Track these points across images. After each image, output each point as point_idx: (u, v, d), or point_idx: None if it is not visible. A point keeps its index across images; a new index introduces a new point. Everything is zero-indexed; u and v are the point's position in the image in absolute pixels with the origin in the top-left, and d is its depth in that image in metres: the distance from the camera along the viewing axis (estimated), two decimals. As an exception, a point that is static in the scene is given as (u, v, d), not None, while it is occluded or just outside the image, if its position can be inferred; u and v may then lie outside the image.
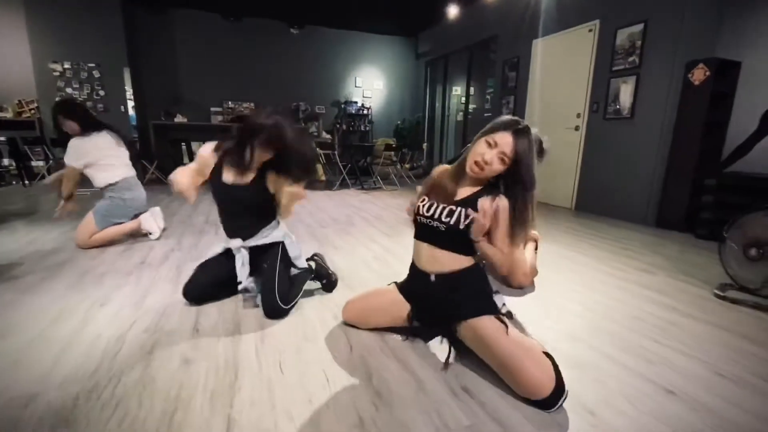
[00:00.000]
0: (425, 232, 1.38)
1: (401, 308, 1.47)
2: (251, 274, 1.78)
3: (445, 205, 1.32)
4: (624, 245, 2.98)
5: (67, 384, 1.23)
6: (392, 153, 6.60)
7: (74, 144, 2.56)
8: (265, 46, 6.99)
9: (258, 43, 6.94)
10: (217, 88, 6.83)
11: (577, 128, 4.35)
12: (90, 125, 2.62)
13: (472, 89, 7.84)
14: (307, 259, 1.98)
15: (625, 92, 3.82)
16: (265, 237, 1.80)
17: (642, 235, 3.31)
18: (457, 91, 7.99)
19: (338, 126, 7.54)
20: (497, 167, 1.26)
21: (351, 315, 1.58)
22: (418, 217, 1.39)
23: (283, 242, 1.81)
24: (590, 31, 4.12)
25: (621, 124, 3.90)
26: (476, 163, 1.26)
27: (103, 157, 2.64)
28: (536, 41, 4.84)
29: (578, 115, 4.33)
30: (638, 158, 3.77)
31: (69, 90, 5.74)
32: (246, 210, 1.77)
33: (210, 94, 6.81)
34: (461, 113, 8.13)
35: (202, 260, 1.85)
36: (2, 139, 5.27)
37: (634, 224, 3.73)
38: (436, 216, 1.32)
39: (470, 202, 1.29)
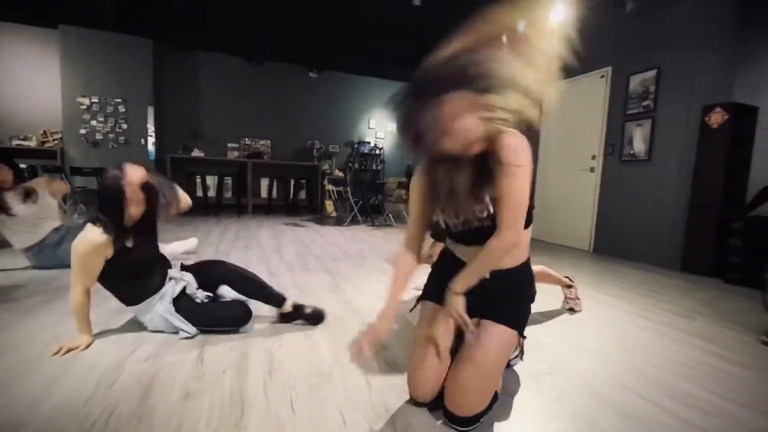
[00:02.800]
0: (468, 237, 1.21)
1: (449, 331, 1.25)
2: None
3: (465, 204, 1.15)
4: (652, 288, 2.82)
5: (57, 414, 1.10)
6: (404, 191, 6.61)
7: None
8: (283, 87, 7.28)
9: (277, 84, 7.24)
10: (235, 125, 7.04)
11: (592, 170, 4.32)
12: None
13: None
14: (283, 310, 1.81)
15: (641, 135, 3.82)
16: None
17: (669, 279, 3.15)
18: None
19: (351, 164, 7.64)
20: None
21: (427, 386, 1.18)
22: (450, 233, 1.27)
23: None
24: (602, 77, 4.22)
25: (638, 166, 3.86)
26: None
27: None
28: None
29: (593, 157, 4.32)
30: (658, 200, 3.69)
31: (93, 123, 5.94)
32: (155, 260, 1.70)
33: (228, 130, 7.01)
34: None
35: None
36: (23, 166, 5.39)
37: (657, 267, 3.57)
38: (471, 217, 1.17)
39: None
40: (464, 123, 0.95)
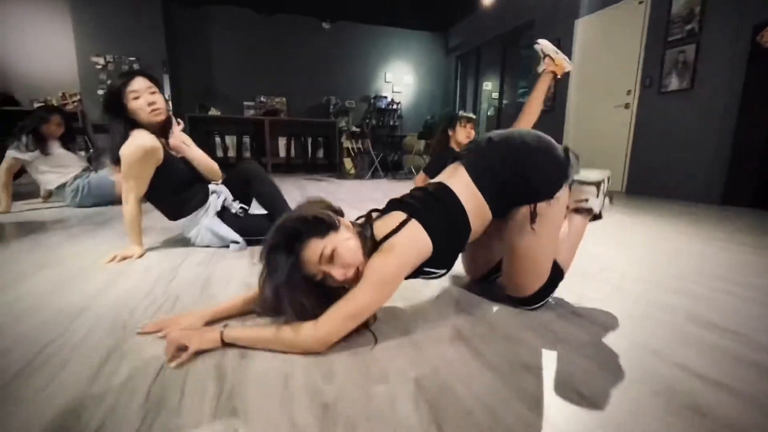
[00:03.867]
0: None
1: None
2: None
3: None
4: (692, 218, 2.71)
5: (121, 300, 1.12)
6: (422, 145, 6.49)
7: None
8: (296, 41, 7.05)
9: (290, 39, 7.00)
10: (249, 83, 6.90)
11: (627, 106, 4.11)
12: None
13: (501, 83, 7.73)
14: None
15: (683, 63, 3.57)
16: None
17: (709, 210, 3.03)
18: (488, 86, 7.84)
19: (368, 121, 7.49)
20: None
21: (477, 271, 1.28)
22: None
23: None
24: (641, 2, 3.91)
25: (679, 97, 3.64)
26: None
27: None
28: (578, 21, 4.65)
29: (628, 92, 4.09)
30: (699, 132, 3.49)
31: (110, 82, 5.89)
32: (197, 174, 1.68)
33: (243, 88, 6.88)
34: (492, 108, 7.98)
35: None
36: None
37: (695, 203, 3.44)
38: None
39: None
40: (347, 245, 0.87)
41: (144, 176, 1.50)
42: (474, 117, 2.67)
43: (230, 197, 1.73)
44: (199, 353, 0.82)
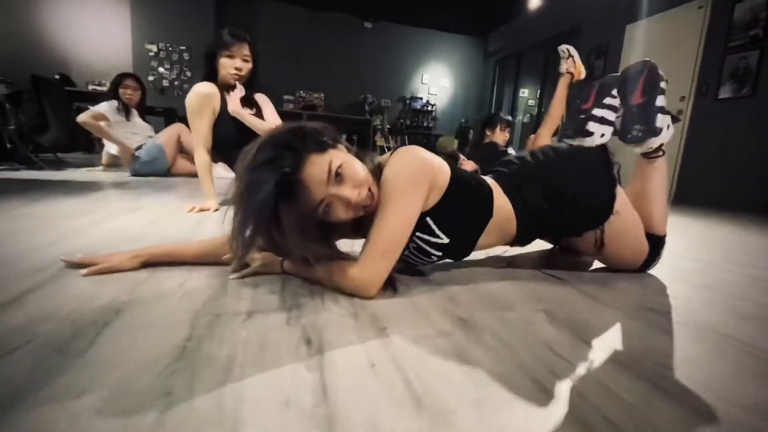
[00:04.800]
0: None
1: None
2: None
3: None
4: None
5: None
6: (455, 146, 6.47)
7: None
8: (338, 38, 7.19)
9: (332, 36, 7.15)
10: (290, 77, 7.07)
11: (680, 112, 4.00)
12: None
13: (539, 92, 7.67)
14: None
15: (745, 69, 3.46)
16: None
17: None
18: (524, 93, 7.78)
19: (402, 120, 7.54)
20: None
21: None
22: None
23: None
24: (701, 7, 3.82)
25: (739, 104, 3.52)
26: None
27: None
28: (630, 26, 4.58)
29: (682, 99, 3.98)
30: (759, 141, 3.36)
31: (161, 69, 6.15)
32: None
33: (284, 82, 7.05)
34: (528, 115, 7.90)
35: None
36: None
37: (754, 215, 3.30)
38: None
39: None
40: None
41: (204, 123, 1.63)
42: (512, 121, 2.73)
43: None
44: (257, 274, 0.84)
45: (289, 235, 0.68)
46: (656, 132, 0.89)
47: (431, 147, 7.20)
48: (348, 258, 0.80)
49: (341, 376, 0.49)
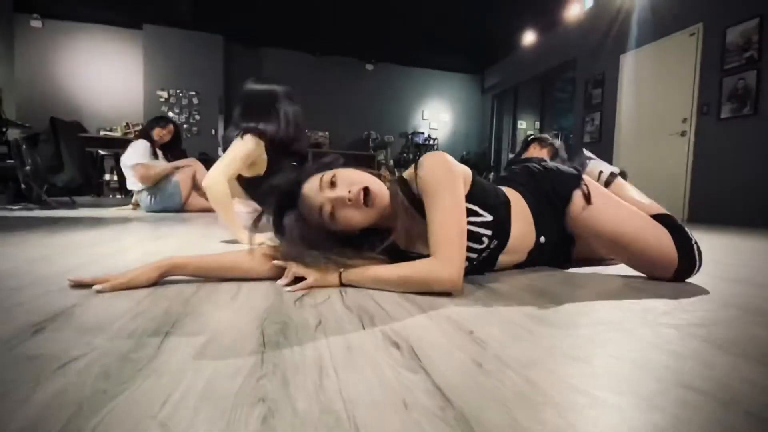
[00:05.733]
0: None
1: None
2: None
3: None
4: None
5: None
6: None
7: None
8: (341, 80, 7.47)
9: (335, 78, 7.43)
10: (295, 117, 7.26)
11: (683, 134, 4.06)
12: None
13: (537, 123, 7.87)
14: None
15: (744, 89, 3.55)
16: None
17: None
18: (523, 125, 7.98)
19: (405, 155, 7.66)
20: None
21: None
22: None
23: None
24: (692, 35, 3.99)
25: (741, 123, 3.58)
26: None
27: None
28: (624, 55, 4.76)
29: (684, 120, 4.06)
30: (765, 157, 3.38)
31: (171, 114, 6.32)
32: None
33: (289, 122, 7.23)
34: (528, 145, 8.05)
35: None
36: (106, 153, 5.76)
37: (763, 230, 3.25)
38: None
39: None
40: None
41: (242, 168, 1.58)
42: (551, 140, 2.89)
43: None
44: (314, 287, 0.78)
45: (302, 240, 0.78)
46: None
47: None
48: (383, 260, 0.83)
49: (450, 376, 0.43)
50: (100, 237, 1.50)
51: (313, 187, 0.78)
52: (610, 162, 4.78)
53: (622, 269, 1.08)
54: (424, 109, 8.04)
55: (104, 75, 6.27)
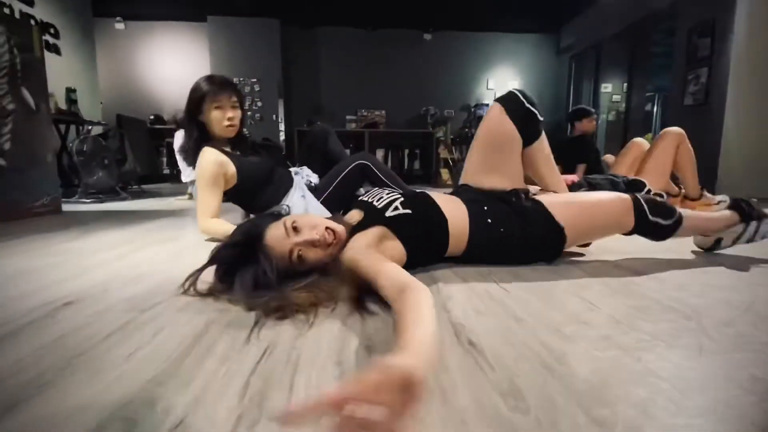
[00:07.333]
0: None
1: None
2: None
3: None
4: None
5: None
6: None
7: None
8: (398, 54, 7.13)
9: (392, 52, 7.11)
10: (352, 97, 7.16)
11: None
12: None
13: (625, 85, 6.72)
14: None
15: None
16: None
17: None
18: (608, 88, 6.91)
19: (467, 130, 7.15)
20: None
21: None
22: None
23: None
24: None
25: None
26: None
27: None
28: (744, -7, 3.74)
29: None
30: None
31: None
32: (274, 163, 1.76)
33: (346, 102, 7.16)
34: (613, 112, 7.00)
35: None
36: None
37: None
38: None
39: None
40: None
41: (216, 194, 1.49)
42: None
43: (313, 176, 1.73)
44: None
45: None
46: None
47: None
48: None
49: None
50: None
51: (279, 236, 0.82)
52: (719, 131, 3.91)
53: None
54: (489, 78, 7.37)
55: (177, 69, 6.75)
